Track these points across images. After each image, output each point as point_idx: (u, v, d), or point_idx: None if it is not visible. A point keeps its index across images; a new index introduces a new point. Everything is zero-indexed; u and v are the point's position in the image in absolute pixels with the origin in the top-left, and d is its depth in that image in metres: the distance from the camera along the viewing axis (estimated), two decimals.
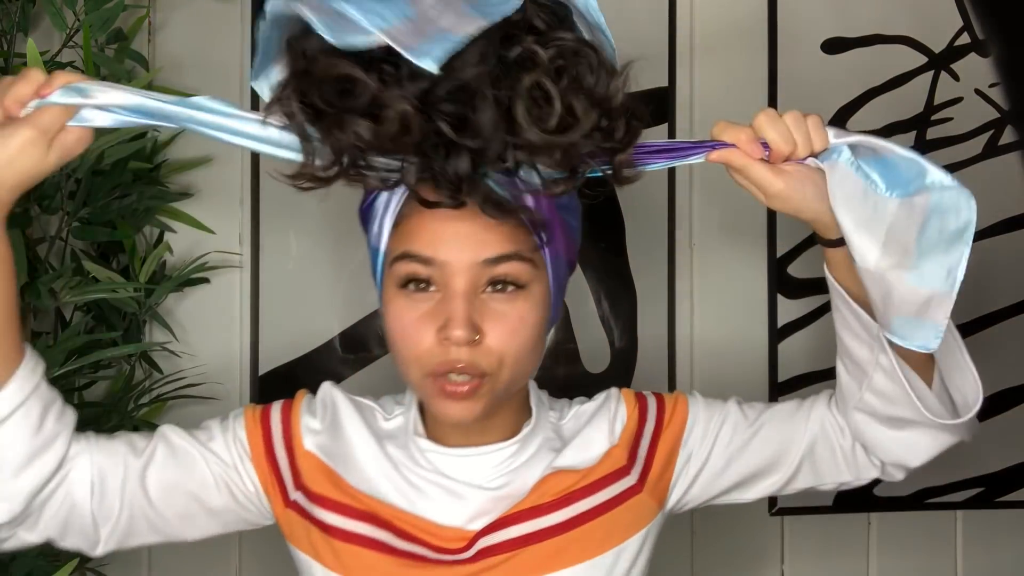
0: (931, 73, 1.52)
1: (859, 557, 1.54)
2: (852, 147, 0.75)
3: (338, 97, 0.69)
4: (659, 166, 0.81)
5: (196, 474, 0.86)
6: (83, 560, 1.30)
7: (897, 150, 0.74)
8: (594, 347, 1.49)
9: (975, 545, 1.56)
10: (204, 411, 1.46)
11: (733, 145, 0.78)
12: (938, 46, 1.52)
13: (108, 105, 0.71)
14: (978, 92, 1.53)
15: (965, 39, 1.52)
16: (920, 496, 1.53)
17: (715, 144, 0.80)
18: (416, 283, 0.80)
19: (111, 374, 1.42)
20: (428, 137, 0.70)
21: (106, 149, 1.02)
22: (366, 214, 0.85)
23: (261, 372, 1.48)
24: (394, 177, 0.75)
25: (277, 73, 0.74)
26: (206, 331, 1.49)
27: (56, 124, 0.71)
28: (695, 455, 0.92)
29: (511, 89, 0.69)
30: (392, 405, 0.93)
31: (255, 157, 1.46)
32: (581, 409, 0.95)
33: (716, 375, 1.50)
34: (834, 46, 1.52)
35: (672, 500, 0.93)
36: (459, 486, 0.87)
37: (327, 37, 0.65)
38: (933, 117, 1.52)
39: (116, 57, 1.34)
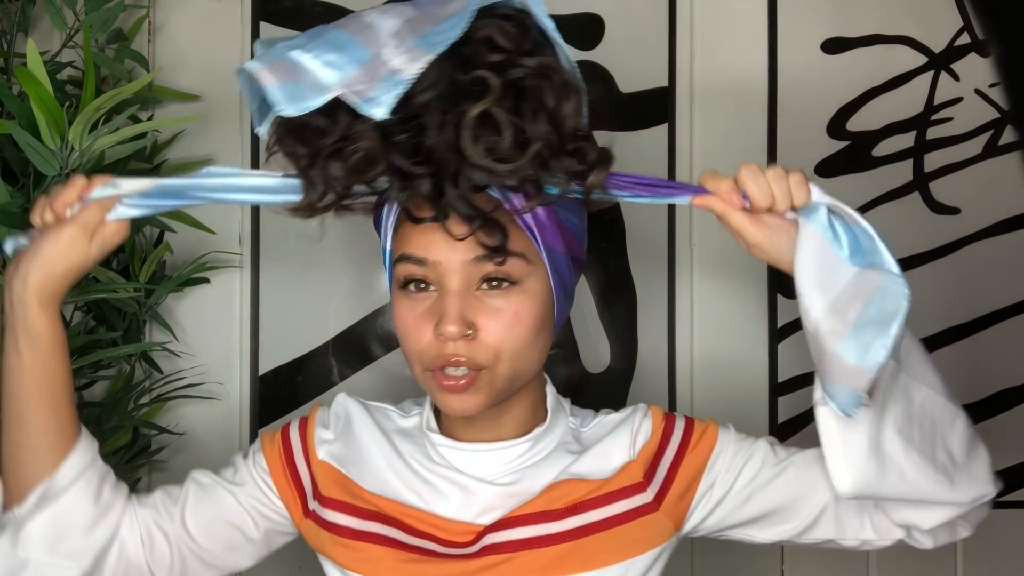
0: (931, 73, 1.52)
1: (859, 558, 1.54)
2: (831, 208, 0.79)
3: (308, 142, 0.75)
4: (638, 199, 0.84)
5: (229, 507, 0.92)
6: None
7: (861, 222, 0.78)
8: (594, 347, 1.49)
9: (975, 545, 1.56)
10: (204, 411, 1.47)
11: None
12: (938, 46, 1.52)
13: (134, 193, 0.80)
14: (978, 92, 1.53)
15: (965, 39, 1.52)
16: None
17: (699, 189, 0.85)
18: (415, 283, 0.84)
19: (111, 374, 1.42)
20: (391, 166, 0.74)
21: (106, 150, 1.02)
22: (376, 218, 0.89)
23: (261, 372, 1.48)
24: (379, 199, 0.83)
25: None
26: (206, 331, 1.49)
27: (95, 219, 0.80)
28: (718, 483, 0.91)
29: (460, 116, 0.71)
30: (411, 405, 0.98)
31: (255, 157, 1.47)
32: (606, 419, 0.96)
33: (716, 375, 1.50)
34: (834, 46, 1.52)
35: (689, 525, 0.93)
36: (469, 480, 0.90)
37: (283, 111, 0.71)
38: (933, 117, 1.52)
39: (116, 57, 1.34)
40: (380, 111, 0.69)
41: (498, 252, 0.80)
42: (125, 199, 0.80)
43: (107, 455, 1.32)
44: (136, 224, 1.37)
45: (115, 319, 1.36)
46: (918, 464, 0.83)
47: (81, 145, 1.00)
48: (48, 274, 0.81)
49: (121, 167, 1.17)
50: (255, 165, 1.46)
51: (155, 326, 1.45)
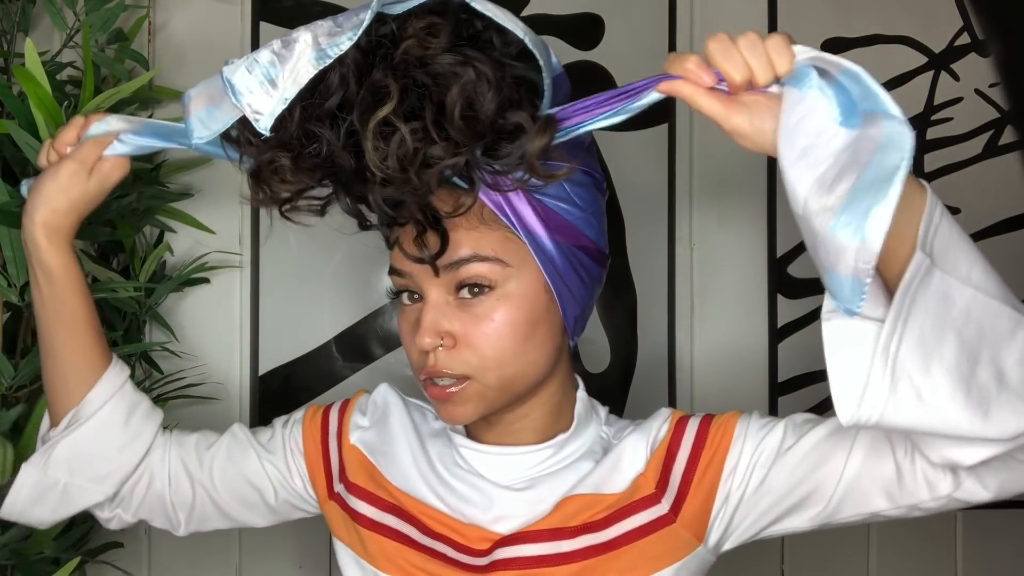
0: (931, 73, 1.52)
1: (859, 557, 1.54)
2: (822, 70, 0.65)
3: (243, 152, 0.78)
4: (606, 119, 0.75)
5: (255, 470, 0.95)
6: (82, 561, 1.30)
7: (848, 66, 0.63)
8: (594, 347, 1.49)
9: (975, 545, 1.56)
10: (204, 411, 1.47)
11: (681, 77, 0.71)
12: (938, 46, 1.52)
13: (127, 130, 0.84)
14: (978, 92, 1.53)
15: (965, 39, 1.52)
16: None
17: (663, 77, 0.72)
18: (407, 294, 0.84)
19: None
20: (304, 181, 0.76)
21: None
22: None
23: (261, 372, 1.48)
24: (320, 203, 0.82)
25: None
26: (206, 331, 1.49)
27: (92, 155, 0.85)
28: (736, 483, 0.84)
29: (363, 124, 0.71)
30: None
31: None
32: (633, 432, 0.91)
33: (716, 375, 1.51)
34: (834, 46, 1.52)
35: (715, 535, 0.86)
36: (488, 485, 0.88)
37: (190, 140, 0.75)
38: (933, 117, 1.52)
39: (116, 57, 1.34)
40: (260, 126, 0.71)
41: (429, 262, 0.78)
42: (121, 136, 0.84)
43: None
44: (136, 224, 1.38)
45: (115, 319, 1.36)
46: (944, 386, 0.66)
47: None
48: (51, 209, 0.85)
49: None
50: None
51: (155, 326, 1.45)
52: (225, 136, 0.78)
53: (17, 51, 1.25)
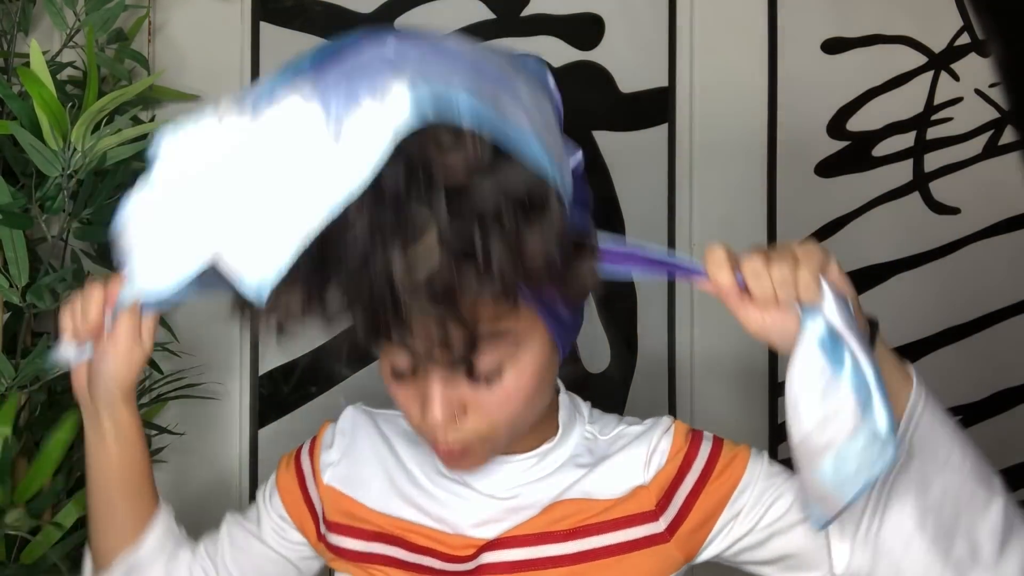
0: (931, 73, 1.52)
1: None
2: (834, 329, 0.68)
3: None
4: (634, 272, 0.75)
5: (258, 551, 0.96)
6: None
7: (863, 364, 0.67)
8: (594, 347, 1.49)
9: None
10: (204, 411, 1.47)
11: None
12: (938, 46, 1.52)
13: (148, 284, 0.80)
14: (978, 92, 1.53)
15: (965, 39, 1.52)
16: None
17: (698, 271, 0.72)
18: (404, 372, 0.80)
19: None
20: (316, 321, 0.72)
21: (108, 151, 1.02)
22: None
23: (261, 372, 1.48)
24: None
25: None
26: (206, 331, 1.48)
27: (134, 323, 0.84)
28: (741, 519, 0.84)
29: (391, 251, 0.61)
30: None
31: None
32: (626, 431, 0.89)
33: (716, 375, 1.51)
34: (834, 46, 1.52)
35: (703, 558, 0.86)
36: (471, 492, 0.87)
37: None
38: (933, 117, 1.52)
39: (116, 57, 1.34)
40: (255, 297, 0.67)
41: (463, 362, 0.73)
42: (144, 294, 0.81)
43: None
44: None
45: None
46: (921, 561, 0.73)
47: (83, 146, 1.00)
48: (123, 381, 0.86)
49: (123, 168, 1.17)
50: None
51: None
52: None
53: (17, 51, 1.25)
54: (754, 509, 0.83)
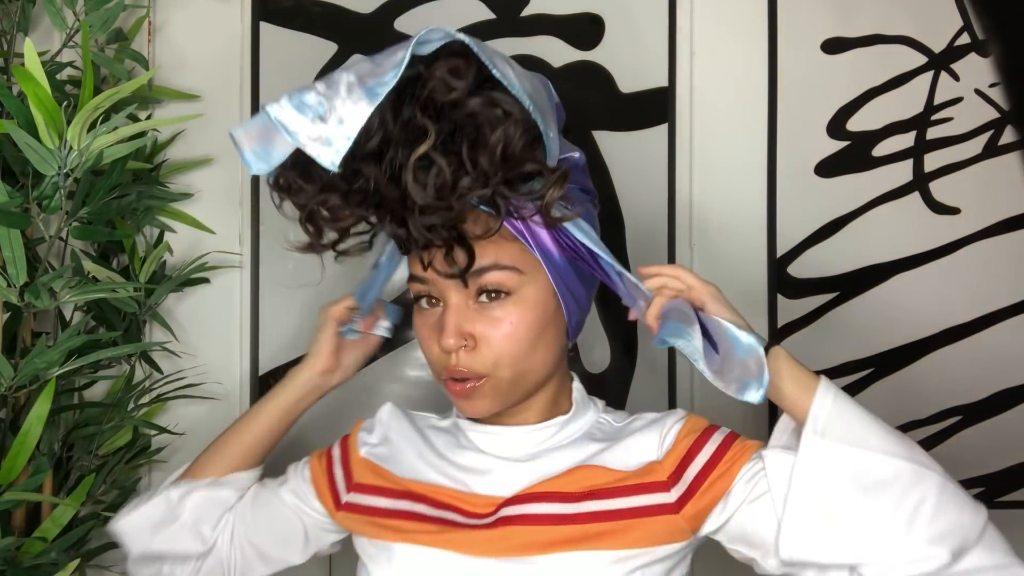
0: (931, 73, 1.52)
1: None
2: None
3: (295, 199, 0.89)
4: (600, 259, 0.94)
5: (277, 507, 1.10)
6: (83, 560, 1.30)
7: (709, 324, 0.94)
8: (594, 347, 1.49)
9: None
10: (204, 411, 1.47)
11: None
12: (938, 46, 1.52)
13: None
14: (978, 92, 1.53)
15: (965, 39, 1.52)
16: None
17: (648, 296, 0.97)
18: (426, 299, 0.94)
19: (111, 374, 1.42)
20: (355, 214, 0.87)
21: (105, 149, 1.02)
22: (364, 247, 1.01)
23: (261, 372, 1.48)
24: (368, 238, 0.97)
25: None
26: (206, 331, 1.49)
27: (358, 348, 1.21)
28: (733, 502, 0.91)
29: (404, 159, 0.80)
30: (452, 411, 1.07)
31: None
32: (641, 416, 1.02)
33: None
34: (834, 46, 1.52)
35: (706, 530, 0.94)
36: (492, 460, 0.98)
37: (251, 170, 0.81)
38: (933, 117, 1.52)
39: (116, 57, 1.34)
40: (330, 164, 0.77)
41: (459, 276, 0.88)
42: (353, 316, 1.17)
43: (107, 455, 1.32)
44: (136, 224, 1.38)
45: (115, 319, 1.36)
46: (847, 530, 0.83)
47: (79, 144, 0.99)
48: (323, 379, 1.17)
49: (121, 167, 1.17)
50: None
51: (155, 326, 1.45)
52: (275, 185, 0.89)
53: (17, 51, 1.25)
54: (747, 485, 0.91)
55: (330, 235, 0.91)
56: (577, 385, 1.04)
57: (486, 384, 0.92)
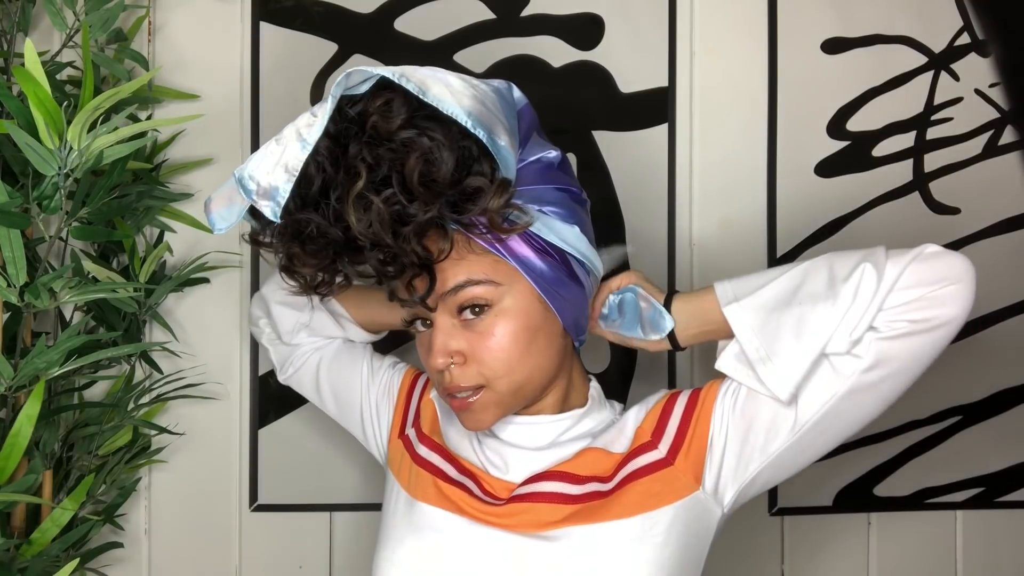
0: (931, 73, 1.52)
1: (859, 557, 1.54)
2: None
3: (266, 251, 0.96)
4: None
5: (351, 375, 1.20)
6: (82, 560, 1.30)
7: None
8: (594, 346, 1.49)
9: (975, 545, 1.56)
10: (204, 411, 1.47)
11: None
12: (938, 46, 1.52)
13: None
14: (978, 92, 1.53)
15: (965, 39, 1.52)
16: (920, 496, 1.53)
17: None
18: (421, 321, 0.97)
19: (111, 374, 1.42)
20: (313, 261, 0.92)
21: (105, 149, 1.02)
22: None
23: (261, 372, 1.48)
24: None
25: None
26: (206, 331, 1.49)
27: None
28: (718, 431, 0.95)
29: (341, 201, 0.85)
30: None
31: None
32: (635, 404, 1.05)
33: (716, 375, 1.50)
34: (834, 46, 1.51)
35: (711, 478, 0.95)
36: (508, 448, 1.01)
37: (213, 228, 0.90)
38: (933, 117, 1.52)
39: (116, 57, 1.34)
40: (273, 215, 0.83)
41: (420, 302, 0.92)
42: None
43: (107, 455, 1.32)
44: (136, 224, 1.38)
45: (115, 319, 1.36)
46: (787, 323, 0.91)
47: (79, 145, 0.99)
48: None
49: (120, 167, 1.17)
50: None
51: (155, 326, 1.45)
52: (250, 240, 0.96)
53: (17, 51, 1.25)
54: (734, 412, 0.95)
55: (312, 277, 0.96)
56: (595, 385, 1.07)
57: (484, 397, 0.94)
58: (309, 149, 0.82)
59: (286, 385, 1.28)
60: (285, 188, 0.82)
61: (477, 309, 0.93)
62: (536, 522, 0.94)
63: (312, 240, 0.89)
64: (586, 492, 0.95)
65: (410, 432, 1.11)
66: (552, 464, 0.98)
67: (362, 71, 0.83)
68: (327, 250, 0.90)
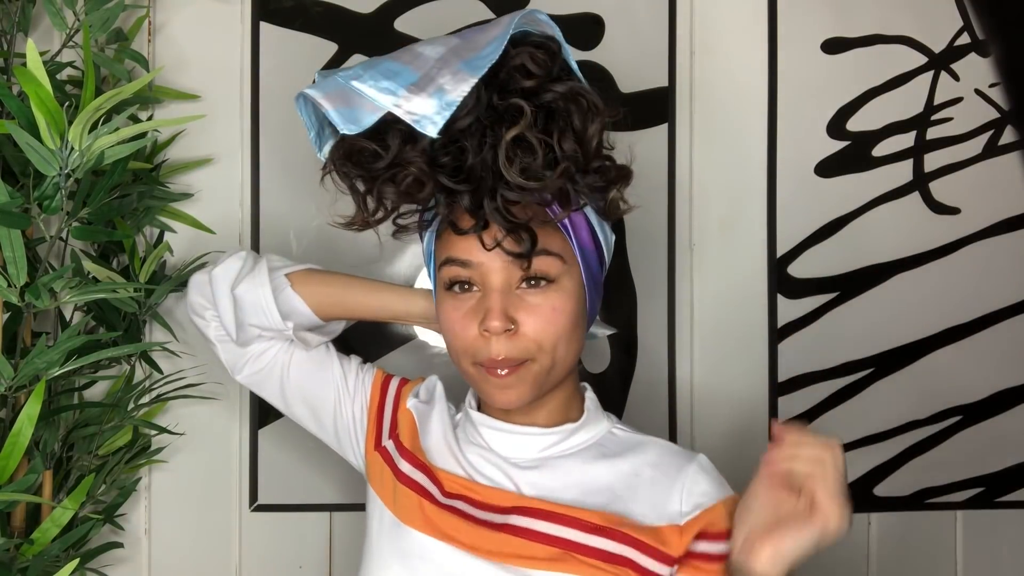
0: (931, 73, 1.52)
1: (860, 557, 1.54)
2: None
3: (363, 166, 0.89)
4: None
5: (323, 376, 1.12)
6: (82, 560, 1.30)
7: None
8: (594, 346, 1.49)
9: (975, 545, 1.56)
10: (204, 411, 1.47)
11: None
12: (938, 46, 1.52)
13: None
14: (978, 92, 1.53)
15: (965, 39, 1.52)
16: (920, 496, 1.53)
17: None
18: (460, 284, 0.93)
19: (111, 374, 1.42)
20: (437, 186, 0.87)
21: (106, 150, 1.02)
22: (420, 226, 1.00)
23: None
24: (429, 216, 0.96)
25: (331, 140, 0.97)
26: None
27: None
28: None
29: (496, 139, 0.83)
30: (463, 404, 1.08)
31: (255, 157, 1.46)
32: (660, 447, 1.00)
33: (716, 375, 1.50)
34: (834, 46, 1.52)
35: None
36: (498, 459, 0.98)
37: (340, 128, 0.82)
38: (933, 117, 1.52)
39: (116, 57, 1.34)
40: (432, 130, 0.79)
41: (526, 256, 0.89)
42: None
43: (107, 455, 1.32)
44: (136, 224, 1.38)
45: (115, 319, 1.36)
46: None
47: (81, 145, 0.99)
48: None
49: (121, 167, 1.17)
50: (255, 164, 1.46)
51: (155, 326, 1.45)
52: (345, 154, 0.91)
53: (17, 51, 1.25)
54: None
55: (379, 214, 0.93)
56: (590, 395, 1.05)
57: (524, 369, 0.92)
58: (479, 73, 0.81)
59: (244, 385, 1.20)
60: (448, 106, 0.80)
61: (543, 282, 0.92)
62: (531, 558, 0.92)
63: (439, 167, 0.87)
64: (596, 548, 0.91)
65: (388, 444, 1.07)
66: (551, 497, 0.95)
67: (542, 13, 0.90)
68: (450, 179, 0.86)
